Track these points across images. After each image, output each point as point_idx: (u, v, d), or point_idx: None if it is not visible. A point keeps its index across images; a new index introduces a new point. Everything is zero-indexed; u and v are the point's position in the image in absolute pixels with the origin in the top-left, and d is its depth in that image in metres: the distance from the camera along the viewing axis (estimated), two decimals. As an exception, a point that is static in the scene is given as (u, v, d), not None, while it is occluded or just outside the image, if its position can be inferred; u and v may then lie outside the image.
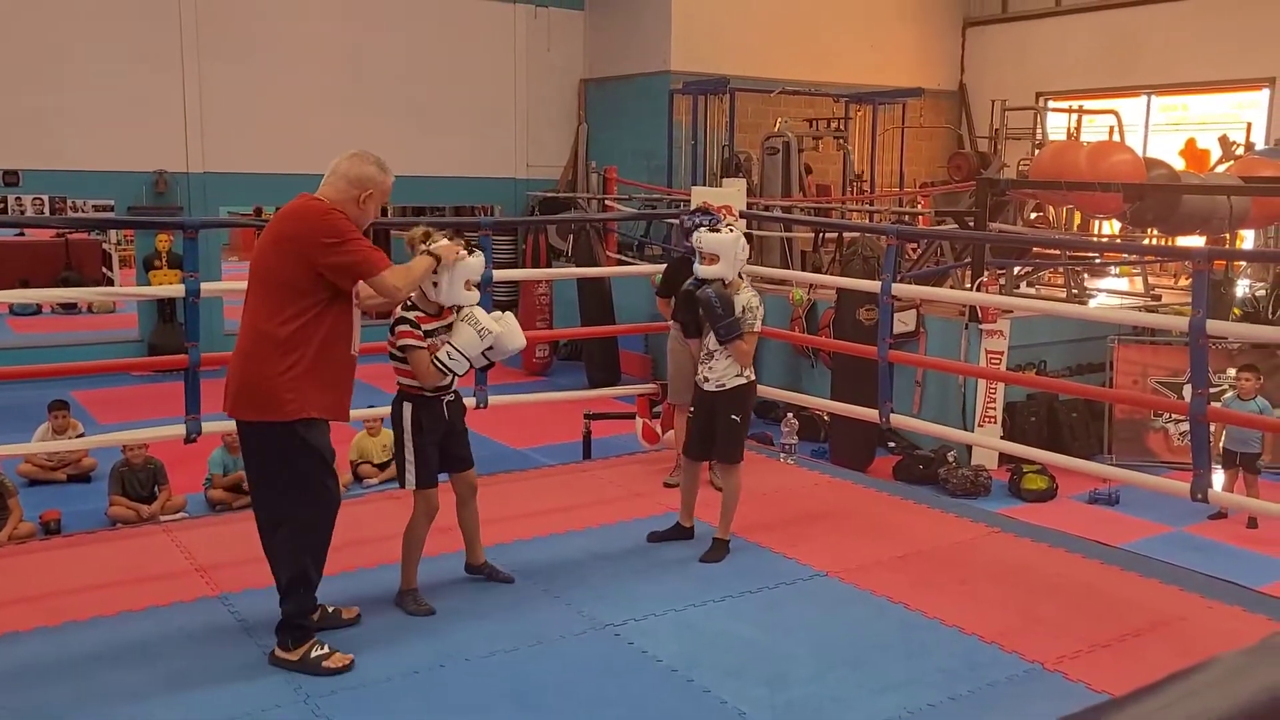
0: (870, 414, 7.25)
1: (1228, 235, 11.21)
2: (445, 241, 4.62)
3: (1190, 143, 15.81)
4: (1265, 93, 15.99)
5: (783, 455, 7.41)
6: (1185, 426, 10.10)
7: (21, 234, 19.79)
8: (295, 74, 15.00)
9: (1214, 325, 5.33)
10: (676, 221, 7.80)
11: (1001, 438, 9.60)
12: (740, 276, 5.61)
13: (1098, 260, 13.16)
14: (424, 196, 16.09)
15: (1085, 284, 12.53)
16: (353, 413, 4.74)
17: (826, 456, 9.71)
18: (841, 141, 15.61)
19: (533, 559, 5.43)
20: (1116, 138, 14.28)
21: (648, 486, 6.76)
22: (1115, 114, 14.68)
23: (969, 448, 9.94)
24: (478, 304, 4.75)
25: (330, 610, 4.57)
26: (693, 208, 7.46)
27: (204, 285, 6.06)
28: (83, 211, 14.73)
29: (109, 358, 12.42)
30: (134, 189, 14.04)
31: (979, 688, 4.13)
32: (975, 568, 5.44)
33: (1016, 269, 11.66)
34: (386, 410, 7.91)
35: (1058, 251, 12.15)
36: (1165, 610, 4.87)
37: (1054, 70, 18.04)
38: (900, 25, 18.79)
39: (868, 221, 14.38)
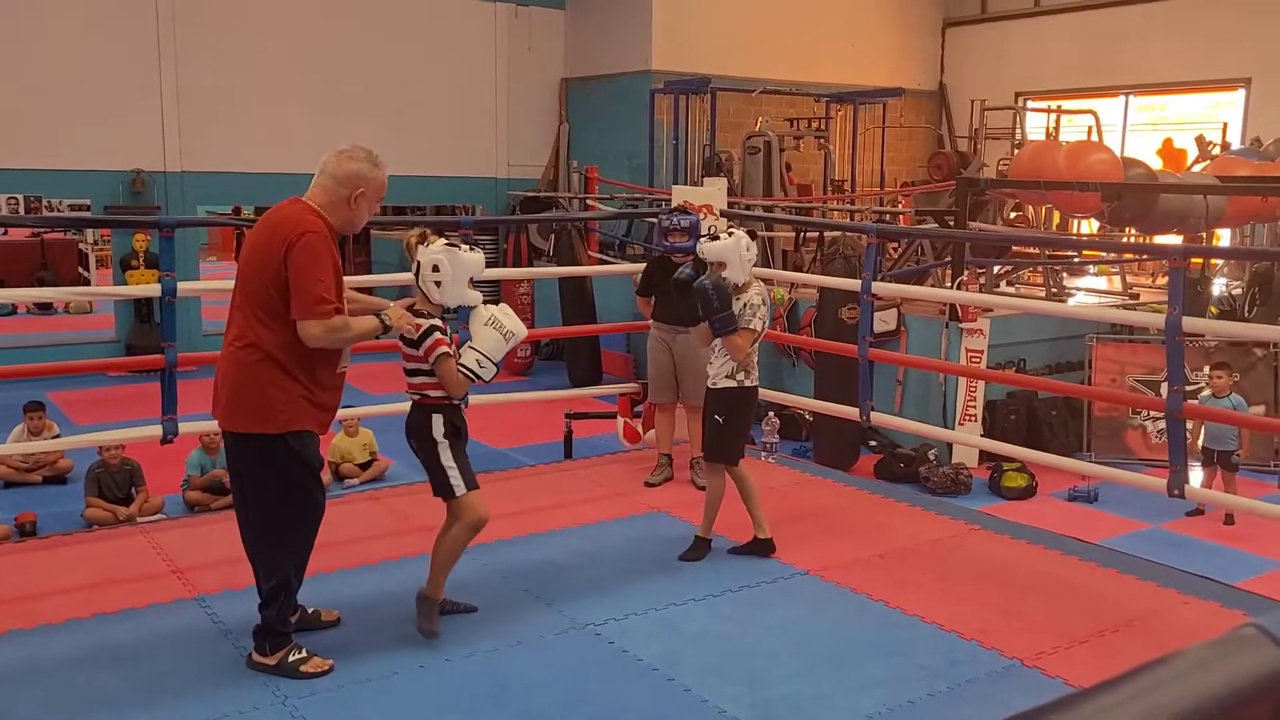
0: (852, 412, 7.26)
1: (1204, 234, 11.28)
2: (402, 311, 4.35)
3: (1167, 142, 15.90)
4: (1241, 93, 16.11)
5: (764, 454, 7.42)
6: (1163, 424, 10.16)
7: (3, 233, 19.68)
8: (274, 72, 14.94)
9: (1190, 322, 5.35)
10: (655, 221, 7.77)
11: (982, 436, 9.63)
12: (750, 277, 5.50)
13: (1076, 259, 13.21)
14: (405, 196, 16.05)
15: (1064, 283, 12.58)
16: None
17: (809, 456, 9.73)
18: (822, 141, 15.63)
19: (513, 559, 5.42)
20: (1095, 137, 14.35)
21: (629, 486, 6.75)
22: (1094, 114, 14.75)
23: (949, 446, 9.97)
24: (482, 302, 4.51)
25: (310, 611, 4.54)
26: (673, 207, 7.46)
27: (181, 285, 6.02)
28: (59, 211, 14.65)
29: (85, 358, 12.33)
30: (111, 188, 13.95)
31: (958, 684, 4.14)
32: (955, 565, 5.45)
33: (996, 268, 11.70)
34: (365, 410, 7.97)
35: (1037, 251, 12.20)
36: (1142, 606, 4.89)
37: (1033, 70, 18.12)
38: (880, 25, 18.84)
39: (848, 221, 14.41)
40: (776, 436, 7.63)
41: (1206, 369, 9.79)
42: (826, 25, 17.93)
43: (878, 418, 7.00)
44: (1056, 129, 15.60)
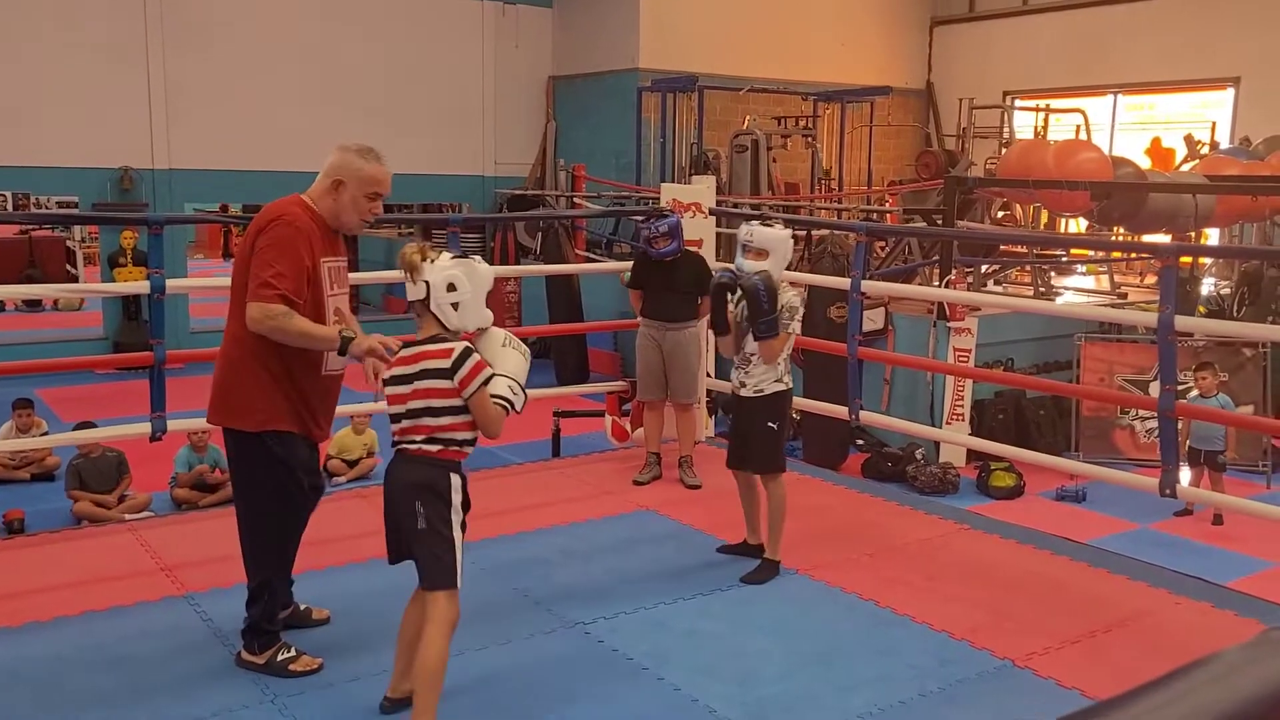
0: (840, 411, 7.26)
1: (1193, 233, 11.31)
2: (375, 344, 3.87)
3: (1155, 141, 15.95)
4: (1229, 92, 16.16)
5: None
6: (1152, 424, 10.18)
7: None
8: (262, 69, 14.90)
9: (1181, 321, 5.36)
10: (640, 219, 7.69)
11: (969, 435, 9.65)
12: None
13: (1064, 258, 13.25)
14: (392, 194, 15.97)
15: (1052, 282, 12.61)
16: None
17: (797, 455, 9.73)
18: (810, 139, 15.64)
19: (502, 557, 5.40)
20: (1083, 136, 14.38)
21: (617, 485, 6.74)
22: (1082, 113, 14.78)
23: (937, 445, 9.98)
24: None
25: (302, 609, 4.52)
26: (661, 205, 7.44)
27: (169, 282, 5.99)
28: (46, 208, 14.59)
29: (73, 355, 12.28)
30: (99, 185, 13.91)
31: (949, 684, 4.14)
32: (944, 565, 5.45)
33: (984, 267, 11.72)
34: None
35: (1025, 250, 12.22)
36: (1133, 606, 4.89)
37: (1020, 69, 18.17)
38: (868, 24, 18.86)
39: (835, 219, 14.41)
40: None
41: (1192, 369, 9.83)
42: (814, 23, 17.95)
43: (865, 416, 7.00)
44: (1045, 128, 15.63)
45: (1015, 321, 10.56)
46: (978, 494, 9.55)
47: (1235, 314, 11.34)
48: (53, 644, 4.36)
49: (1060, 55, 17.66)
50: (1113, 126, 17.40)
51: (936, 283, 10.41)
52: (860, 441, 10.68)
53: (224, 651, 4.30)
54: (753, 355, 5.19)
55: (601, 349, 13.72)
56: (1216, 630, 4.64)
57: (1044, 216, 13.62)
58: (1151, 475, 5.48)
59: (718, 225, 8.27)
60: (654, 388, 6.89)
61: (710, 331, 6.50)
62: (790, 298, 5.15)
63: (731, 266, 5.32)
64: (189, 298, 14.68)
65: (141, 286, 6.09)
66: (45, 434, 9.07)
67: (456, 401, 3.60)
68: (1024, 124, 16.58)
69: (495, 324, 3.86)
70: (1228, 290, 12.13)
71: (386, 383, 3.70)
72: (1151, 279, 13.62)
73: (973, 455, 10.05)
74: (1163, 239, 11.34)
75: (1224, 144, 14.77)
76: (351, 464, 9.43)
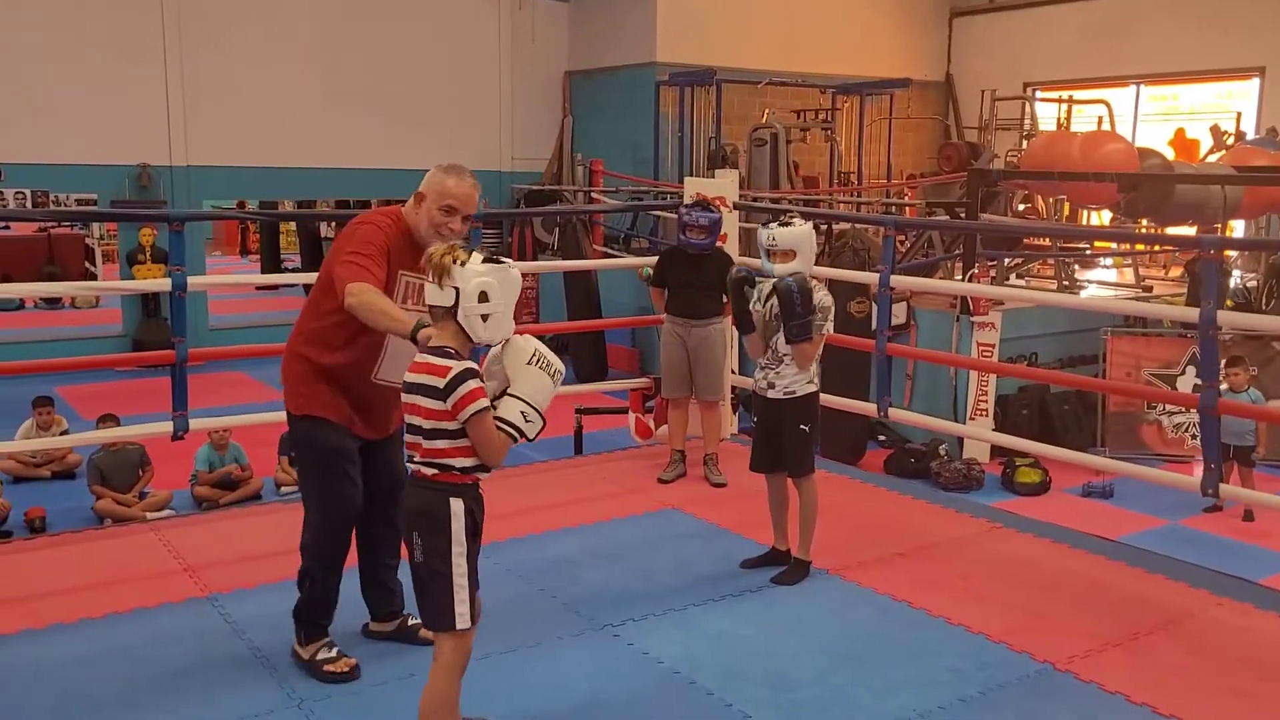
0: (864, 407, 7.19)
1: (1220, 225, 11.18)
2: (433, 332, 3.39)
3: (1179, 132, 15.80)
4: (1255, 82, 15.99)
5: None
6: (1179, 419, 10.08)
7: (7, 228, 19.61)
8: (278, 66, 14.88)
9: (1224, 316, 5.25)
10: (674, 215, 7.59)
11: (993, 430, 9.55)
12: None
13: (1088, 251, 13.13)
14: (407, 190, 15.93)
15: (1075, 275, 12.49)
16: None
17: (816, 450, 9.63)
18: (829, 133, 15.55)
19: (526, 557, 5.33)
20: (1107, 127, 14.25)
21: (642, 482, 6.66)
22: (1106, 104, 14.65)
23: (960, 440, 9.89)
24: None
25: (410, 624, 4.37)
26: (686, 199, 7.35)
27: (190, 279, 5.95)
28: (65, 206, 14.59)
29: (93, 353, 12.26)
30: (117, 183, 13.92)
31: (989, 689, 4.04)
32: (976, 564, 5.36)
33: (1007, 260, 11.61)
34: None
35: (1047, 243, 12.11)
36: (1174, 607, 4.79)
37: (1041, 60, 18.01)
38: (887, 15, 18.74)
39: (856, 213, 14.33)
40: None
41: (1223, 364, 9.73)
42: (832, 16, 17.83)
43: (893, 413, 6.89)
44: (1068, 119, 15.50)
45: (1039, 316, 10.46)
46: (1002, 490, 9.47)
47: (1263, 307, 11.21)
48: (77, 646, 4.32)
49: (1081, 46, 17.49)
50: (1135, 118, 17.24)
51: (959, 277, 10.31)
52: (881, 437, 10.59)
53: (248, 654, 4.24)
54: (785, 355, 5.04)
55: (619, 345, 13.65)
56: (1261, 633, 4.54)
57: (1066, 209, 13.50)
58: (1180, 470, 5.38)
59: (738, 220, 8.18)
60: (679, 385, 6.81)
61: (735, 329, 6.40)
62: (822, 298, 4.99)
63: (753, 262, 5.21)
64: (208, 295, 14.67)
65: (163, 284, 6.05)
66: (65, 432, 9.05)
67: (449, 425, 3.25)
68: (1046, 116, 16.45)
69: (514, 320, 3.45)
70: (1254, 283, 12.00)
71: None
72: (1176, 272, 13.48)
73: (996, 451, 9.95)
74: (1188, 232, 11.22)
75: (1250, 134, 14.62)
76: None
